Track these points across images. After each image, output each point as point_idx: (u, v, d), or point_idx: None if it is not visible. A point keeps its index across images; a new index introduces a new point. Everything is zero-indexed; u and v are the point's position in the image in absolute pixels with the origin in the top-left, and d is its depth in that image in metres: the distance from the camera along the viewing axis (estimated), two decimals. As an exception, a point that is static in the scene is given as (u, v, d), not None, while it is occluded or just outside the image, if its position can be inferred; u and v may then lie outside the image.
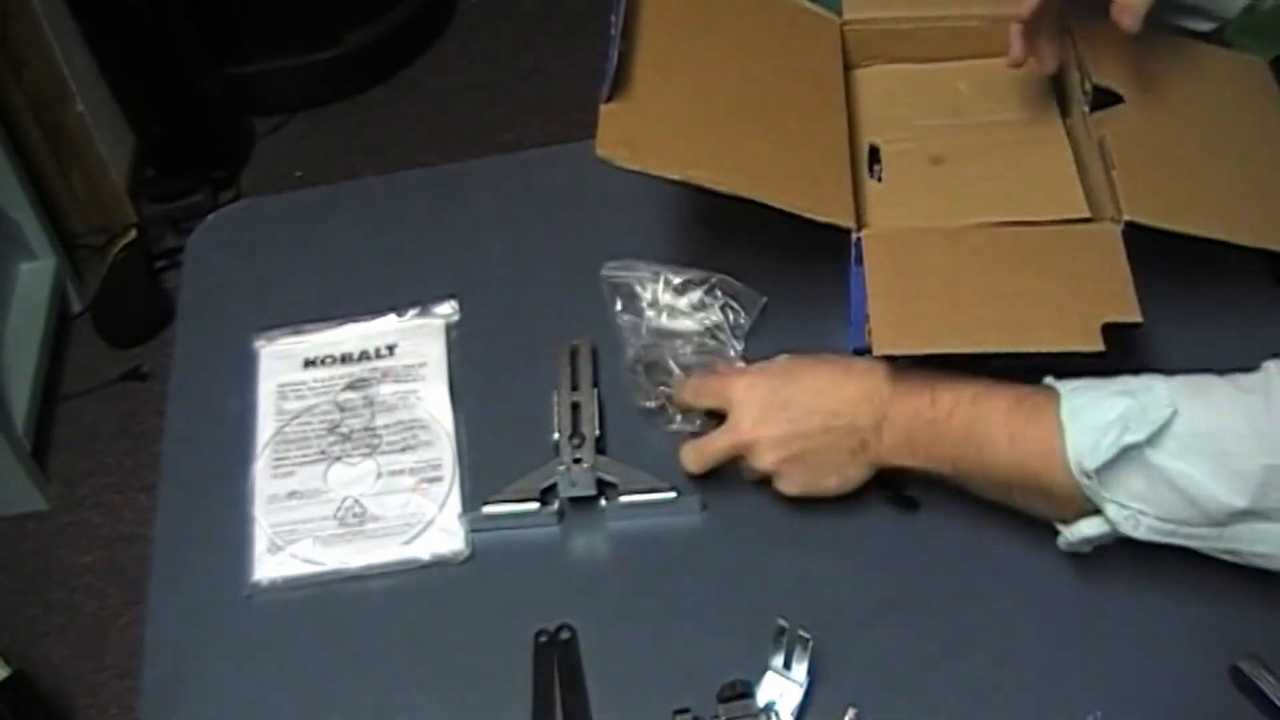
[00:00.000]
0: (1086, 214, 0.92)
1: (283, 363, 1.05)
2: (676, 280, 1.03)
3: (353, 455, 0.98)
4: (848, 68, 1.04)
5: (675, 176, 0.90)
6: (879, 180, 0.98)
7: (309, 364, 1.04)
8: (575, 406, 0.96)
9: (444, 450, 0.98)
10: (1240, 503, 0.74)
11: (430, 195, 1.20)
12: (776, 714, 0.81)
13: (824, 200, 0.90)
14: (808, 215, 0.89)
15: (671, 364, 0.98)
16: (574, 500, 0.93)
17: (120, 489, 2.04)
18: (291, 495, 0.96)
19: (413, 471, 0.97)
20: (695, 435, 0.94)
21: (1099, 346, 0.82)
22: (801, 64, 1.01)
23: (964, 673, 0.84)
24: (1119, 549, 0.82)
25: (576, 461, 0.93)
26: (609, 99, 0.91)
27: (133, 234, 2.32)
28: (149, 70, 2.36)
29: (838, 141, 0.96)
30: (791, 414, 0.87)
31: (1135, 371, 0.80)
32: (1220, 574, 0.80)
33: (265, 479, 0.98)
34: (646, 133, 0.91)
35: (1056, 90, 1.02)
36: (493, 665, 0.87)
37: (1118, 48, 0.97)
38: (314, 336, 1.06)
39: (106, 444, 2.10)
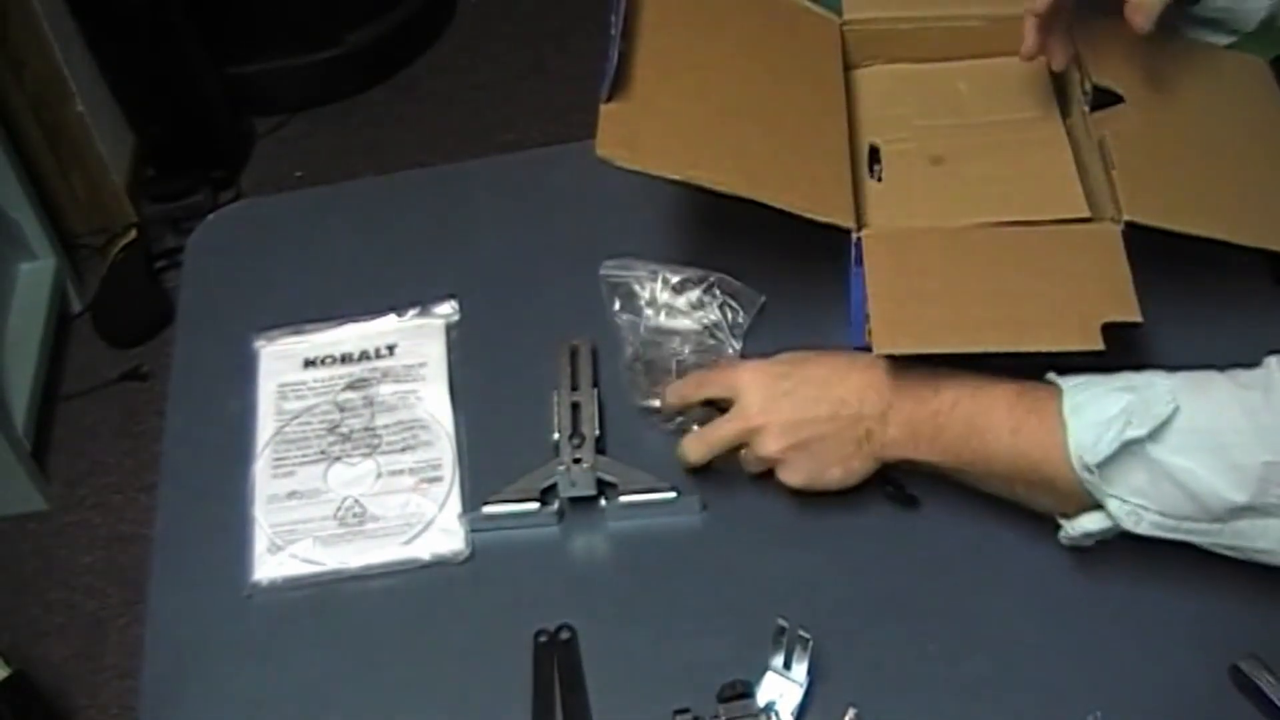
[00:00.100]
0: (1086, 214, 0.92)
1: (283, 363, 1.05)
2: (675, 279, 1.03)
3: (353, 455, 0.98)
4: (848, 68, 1.04)
5: (675, 176, 0.90)
6: (879, 180, 0.98)
7: (309, 364, 1.04)
8: (575, 406, 0.96)
9: (444, 450, 0.98)
10: (1241, 498, 0.75)
11: (430, 195, 1.20)
12: (776, 714, 0.81)
13: (824, 200, 0.90)
14: (808, 215, 0.89)
15: (670, 363, 0.98)
16: (574, 500, 0.93)
17: (120, 489, 2.04)
18: (291, 495, 0.96)
19: (413, 471, 0.97)
20: (683, 430, 0.94)
21: (1099, 346, 0.82)
22: (801, 64, 1.01)
23: (964, 673, 0.84)
24: (1119, 546, 0.82)
25: (576, 461, 0.93)
26: (609, 99, 0.91)
27: (133, 234, 2.32)
28: (149, 70, 2.36)
29: (838, 141, 0.96)
30: (798, 400, 0.87)
31: (1137, 369, 0.80)
32: (1220, 573, 0.81)
33: (265, 479, 0.98)
34: (646, 133, 0.91)
35: (1056, 90, 1.02)
36: (493, 665, 0.87)
37: (1118, 47, 0.97)
38: (314, 336, 1.06)
39: (106, 444, 2.11)
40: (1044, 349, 0.83)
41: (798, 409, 0.87)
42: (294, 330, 1.06)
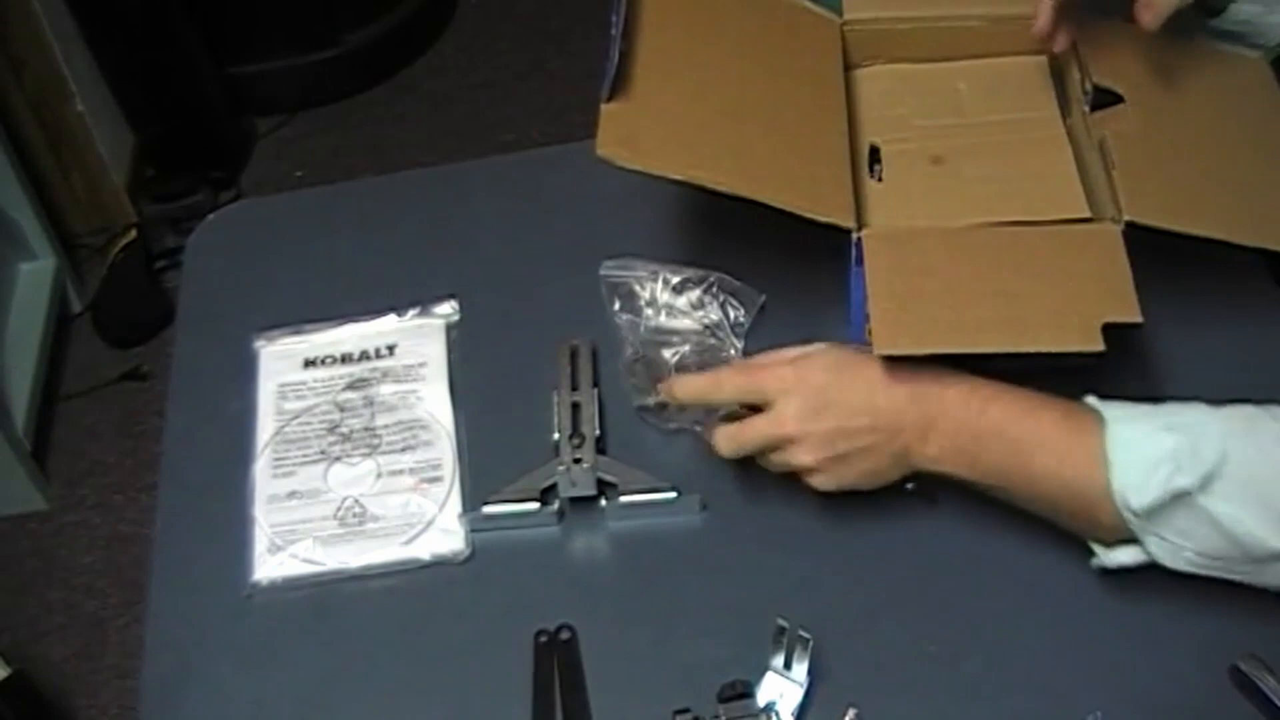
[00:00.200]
0: (1087, 214, 0.92)
1: (283, 363, 1.05)
2: (675, 279, 1.03)
3: (353, 455, 0.98)
4: (848, 68, 1.04)
5: (675, 176, 0.90)
6: (879, 180, 0.98)
7: (309, 364, 1.04)
8: (575, 406, 0.96)
9: (444, 450, 0.98)
10: None
11: (430, 195, 1.20)
12: (776, 714, 0.81)
13: (824, 200, 0.90)
14: (808, 215, 0.89)
15: (670, 363, 0.98)
16: (574, 500, 0.93)
17: (120, 489, 2.04)
18: (291, 495, 0.96)
19: (413, 471, 0.97)
20: (683, 429, 0.94)
21: (1099, 346, 0.82)
22: (801, 64, 1.01)
23: (964, 673, 0.84)
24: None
25: (576, 461, 0.93)
26: (609, 99, 0.91)
27: (133, 234, 2.32)
28: (149, 70, 2.36)
29: (838, 141, 0.96)
30: (839, 413, 0.85)
31: (1177, 399, 0.79)
32: (1220, 574, 0.81)
33: (265, 479, 0.98)
34: (646, 133, 0.91)
35: (1057, 90, 1.02)
36: (493, 665, 0.87)
37: (1118, 47, 0.97)
38: (314, 336, 1.06)
39: (106, 444, 2.11)
40: (1044, 349, 0.83)
41: (838, 421, 0.84)
42: (294, 330, 1.06)
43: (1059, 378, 0.90)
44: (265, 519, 0.95)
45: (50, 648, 1.86)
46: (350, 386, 1.02)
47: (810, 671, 0.82)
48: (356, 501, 0.96)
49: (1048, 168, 0.96)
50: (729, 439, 0.88)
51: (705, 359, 0.99)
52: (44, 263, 2.22)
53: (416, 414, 1.00)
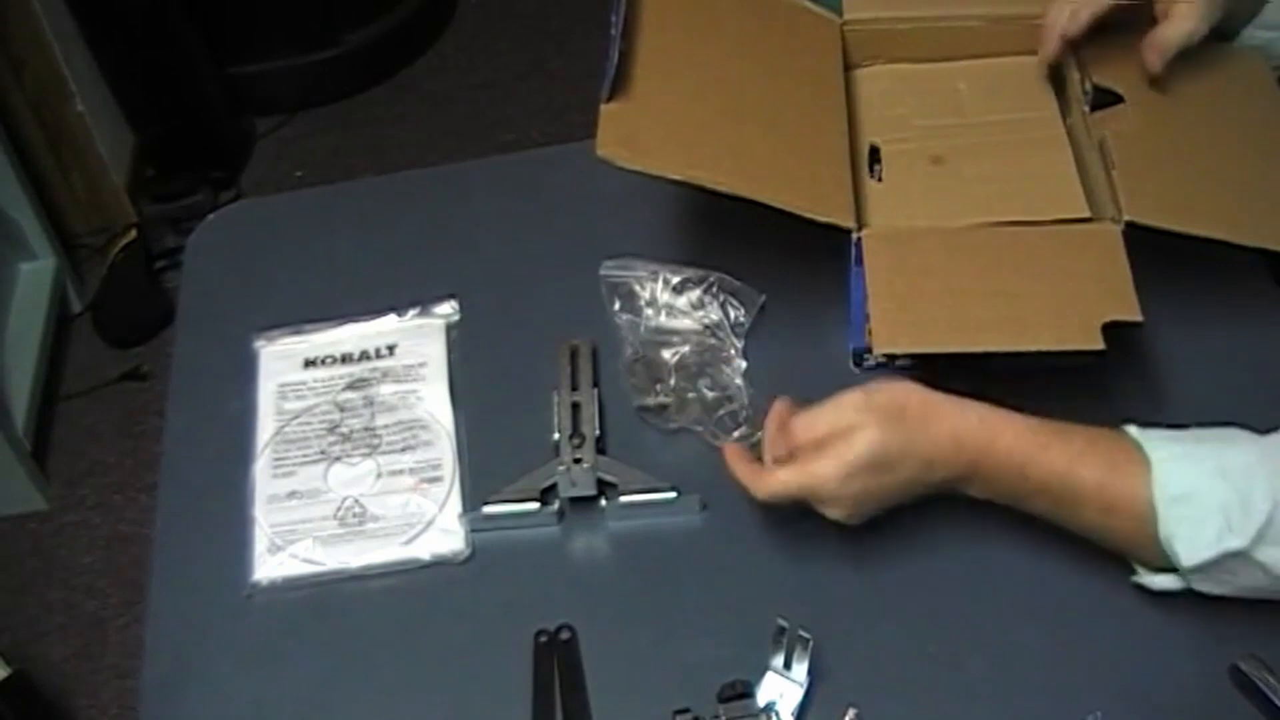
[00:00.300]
0: (1087, 214, 0.92)
1: (283, 363, 1.05)
2: (675, 279, 1.03)
3: (353, 455, 0.98)
4: (848, 68, 1.04)
5: (675, 176, 0.90)
6: (879, 180, 0.98)
7: (309, 364, 1.04)
8: (575, 406, 0.96)
9: (444, 450, 0.98)
10: None
11: (430, 195, 1.20)
12: (776, 714, 0.81)
13: (824, 200, 0.90)
14: (808, 215, 0.89)
15: (670, 363, 0.98)
16: (574, 500, 0.93)
17: (120, 489, 2.04)
18: (291, 495, 0.96)
19: (413, 471, 0.97)
20: (683, 429, 0.94)
21: (1099, 346, 0.82)
22: (802, 64, 1.01)
23: (964, 673, 0.84)
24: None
25: (577, 461, 0.93)
26: (609, 99, 0.91)
27: (133, 234, 2.32)
28: (149, 70, 2.36)
29: (838, 141, 0.96)
30: (880, 499, 0.83)
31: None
32: (1220, 574, 0.81)
33: (265, 479, 0.98)
34: (646, 133, 0.91)
35: (1056, 90, 1.02)
36: (493, 665, 0.87)
37: (1118, 48, 0.97)
38: (314, 336, 1.06)
39: (106, 444, 2.10)
40: (1044, 349, 0.83)
41: (879, 505, 0.83)
42: (294, 330, 1.06)
43: (1059, 377, 0.90)
44: (265, 519, 0.95)
45: (50, 648, 1.86)
46: (350, 386, 1.02)
47: (810, 671, 0.81)
48: (356, 501, 0.96)
49: (1048, 168, 0.96)
50: (762, 488, 0.85)
51: (705, 359, 0.99)
52: (44, 263, 2.22)
53: (416, 414, 1.00)
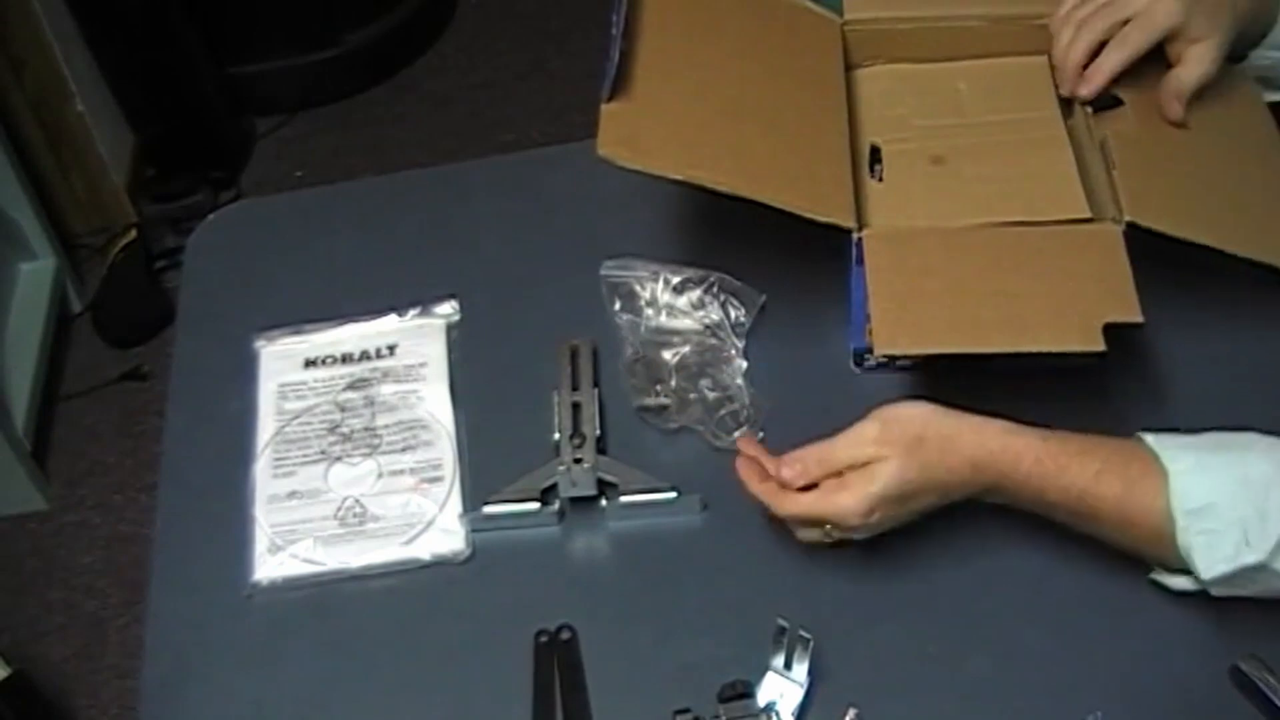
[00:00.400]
0: (1087, 214, 0.92)
1: (283, 363, 1.05)
2: (675, 279, 1.03)
3: (353, 455, 0.98)
4: (848, 68, 1.04)
5: (675, 176, 0.90)
6: (879, 180, 0.98)
7: (309, 364, 1.04)
8: (575, 406, 0.96)
9: (444, 450, 0.98)
10: None
11: (430, 195, 1.20)
12: (777, 714, 0.81)
13: (824, 200, 0.90)
14: (808, 215, 0.89)
15: (670, 363, 0.98)
16: (574, 500, 0.93)
17: (120, 489, 2.04)
18: (292, 495, 0.96)
19: (413, 471, 0.97)
20: (684, 429, 0.94)
21: (1100, 346, 0.82)
22: (802, 64, 1.01)
23: (964, 673, 0.84)
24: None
25: (577, 461, 0.93)
26: (609, 99, 0.91)
27: (133, 234, 2.32)
28: (149, 70, 2.36)
29: (838, 141, 0.96)
30: (898, 520, 0.84)
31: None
32: (1221, 574, 0.81)
33: (265, 479, 0.98)
34: (646, 133, 0.91)
35: (1057, 90, 1.02)
36: (493, 665, 0.87)
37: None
38: (314, 336, 1.06)
39: (106, 444, 2.10)
40: (1045, 349, 0.83)
41: (898, 518, 0.84)
42: (294, 330, 1.06)
43: (1059, 378, 0.91)
44: (265, 519, 0.95)
45: (50, 648, 1.86)
46: (351, 386, 1.02)
47: (810, 671, 0.81)
48: (357, 501, 0.96)
49: (1048, 168, 0.96)
50: (786, 507, 0.85)
51: (706, 359, 0.99)
52: (44, 263, 2.22)
53: (417, 414, 1.00)
